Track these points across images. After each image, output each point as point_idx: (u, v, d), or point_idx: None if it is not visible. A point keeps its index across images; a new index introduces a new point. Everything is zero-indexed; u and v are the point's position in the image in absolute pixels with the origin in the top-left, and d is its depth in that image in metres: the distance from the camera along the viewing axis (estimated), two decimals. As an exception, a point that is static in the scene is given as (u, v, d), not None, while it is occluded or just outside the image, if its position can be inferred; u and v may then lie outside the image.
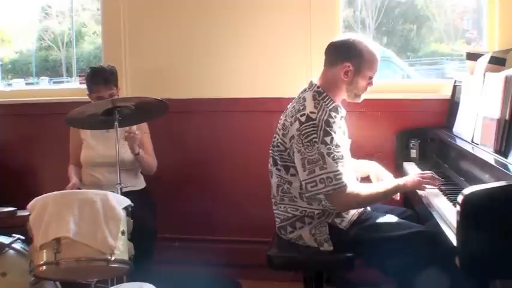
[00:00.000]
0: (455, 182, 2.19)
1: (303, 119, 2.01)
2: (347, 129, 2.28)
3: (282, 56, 3.02)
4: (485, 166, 1.90)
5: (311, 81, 2.17)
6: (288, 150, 2.09)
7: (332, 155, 1.97)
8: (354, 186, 2.02)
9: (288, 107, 2.21)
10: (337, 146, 2.00)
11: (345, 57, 2.10)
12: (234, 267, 2.97)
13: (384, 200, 2.13)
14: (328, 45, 2.19)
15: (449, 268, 1.70)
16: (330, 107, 2.08)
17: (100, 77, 2.68)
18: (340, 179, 1.97)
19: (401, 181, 2.12)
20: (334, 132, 2.01)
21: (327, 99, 2.10)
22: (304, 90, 2.17)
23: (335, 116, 2.07)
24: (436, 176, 2.14)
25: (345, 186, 1.98)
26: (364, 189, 2.05)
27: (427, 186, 2.09)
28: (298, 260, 2.16)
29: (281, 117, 2.22)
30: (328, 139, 1.98)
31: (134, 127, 2.72)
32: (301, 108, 2.06)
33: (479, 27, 3.17)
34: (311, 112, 2.02)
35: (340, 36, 2.25)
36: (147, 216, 2.56)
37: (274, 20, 3.02)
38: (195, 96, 3.10)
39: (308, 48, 2.97)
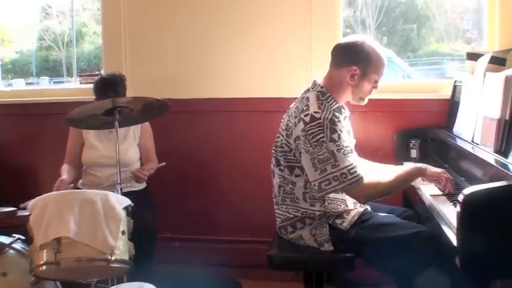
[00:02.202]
0: (456, 182, 2.19)
1: (307, 119, 2.01)
2: (352, 130, 2.28)
3: (282, 57, 3.02)
4: (485, 166, 1.90)
5: (314, 81, 2.17)
6: (294, 150, 2.09)
7: (342, 150, 1.97)
8: (371, 177, 2.01)
9: (291, 106, 2.20)
10: (344, 141, 2.00)
11: (352, 60, 2.10)
12: (234, 267, 2.98)
13: (405, 185, 2.09)
14: (334, 47, 2.18)
15: (449, 268, 1.70)
16: (333, 107, 2.08)
17: (112, 91, 2.64)
18: (355, 172, 1.96)
19: (422, 165, 2.11)
20: (340, 130, 2.01)
21: (331, 100, 2.09)
22: (308, 90, 2.16)
23: (339, 116, 2.07)
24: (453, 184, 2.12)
25: (361, 178, 1.97)
26: (383, 177, 2.03)
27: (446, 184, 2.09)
28: (298, 260, 2.16)
29: (284, 117, 2.21)
30: (335, 136, 1.98)
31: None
32: (304, 108, 2.05)
33: (480, 27, 3.17)
34: (315, 112, 2.01)
35: (347, 38, 2.23)
36: (148, 216, 2.56)
37: (275, 21, 3.02)
38: (195, 96, 3.11)
39: (308, 48, 2.97)
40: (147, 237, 2.45)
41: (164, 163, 2.76)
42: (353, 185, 1.96)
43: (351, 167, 1.96)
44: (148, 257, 2.50)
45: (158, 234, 2.61)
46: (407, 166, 2.13)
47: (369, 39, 2.18)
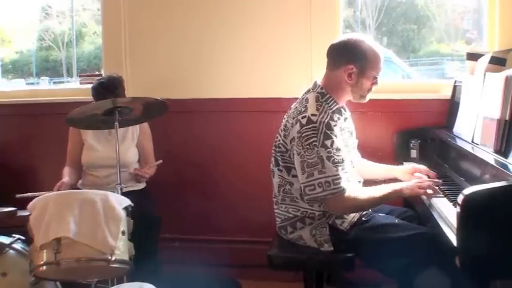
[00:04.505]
0: (456, 182, 2.19)
1: (304, 121, 2.00)
2: (354, 130, 2.27)
3: (282, 57, 3.02)
4: (485, 166, 1.90)
5: (315, 82, 2.16)
6: (289, 151, 2.09)
7: (332, 159, 1.96)
8: (352, 191, 2.01)
9: (292, 107, 2.20)
10: (337, 149, 1.99)
11: (347, 59, 2.08)
12: (234, 267, 2.98)
13: (381, 204, 2.12)
14: (329, 48, 2.17)
15: (450, 268, 1.70)
16: (333, 109, 2.07)
17: (112, 94, 2.61)
18: (339, 183, 1.96)
19: (398, 186, 2.09)
20: (335, 136, 2.00)
21: (330, 101, 2.09)
22: (308, 91, 2.15)
23: (338, 119, 2.06)
24: (435, 181, 2.12)
25: (343, 190, 1.97)
26: (362, 194, 2.04)
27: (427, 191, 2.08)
28: (298, 260, 2.16)
29: (284, 116, 2.21)
30: (328, 142, 1.97)
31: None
32: (303, 109, 2.05)
33: (480, 27, 3.17)
34: (312, 114, 2.01)
35: (340, 37, 2.22)
36: (149, 207, 2.61)
37: (275, 21, 3.02)
38: (195, 96, 3.10)
39: (308, 49, 2.97)
40: (151, 226, 2.49)
41: (161, 161, 2.77)
42: (335, 195, 1.96)
43: (336, 177, 1.96)
44: (152, 249, 2.55)
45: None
46: (386, 187, 2.08)
47: (363, 36, 2.17)
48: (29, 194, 2.35)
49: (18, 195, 2.35)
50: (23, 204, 2.17)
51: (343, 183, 1.97)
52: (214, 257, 2.93)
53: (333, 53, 2.15)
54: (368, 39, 2.14)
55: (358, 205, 2.05)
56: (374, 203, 2.08)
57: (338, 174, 1.96)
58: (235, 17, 3.06)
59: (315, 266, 2.17)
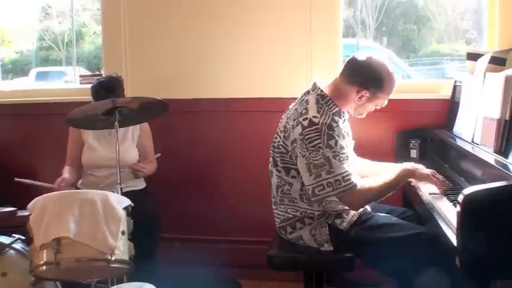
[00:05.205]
0: (456, 182, 2.19)
1: (305, 123, 2.00)
2: (350, 131, 2.28)
3: (282, 56, 3.02)
4: (485, 166, 1.90)
5: (314, 83, 2.15)
6: (290, 153, 2.08)
7: (338, 157, 1.96)
8: (363, 183, 2.01)
9: (290, 107, 2.19)
10: (341, 147, 1.99)
11: (365, 83, 2.08)
12: (234, 267, 2.98)
13: (396, 187, 2.10)
14: (350, 60, 2.15)
15: (449, 268, 1.70)
16: (333, 111, 2.07)
17: (111, 95, 2.59)
18: (349, 179, 1.96)
19: (410, 166, 2.11)
20: (338, 136, 2.00)
21: (331, 104, 2.08)
22: (307, 92, 2.15)
23: (338, 120, 2.06)
24: (447, 182, 2.12)
25: (355, 185, 1.97)
26: (374, 182, 2.04)
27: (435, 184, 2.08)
28: (298, 260, 2.16)
29: (282, 117, 2.21)
30: (332, 142, 1.97)
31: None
32: (303, 111, 2.04)
33: (480, 28, 3.17)
34: (314, 116, 2.00)
35: (366, 54, 2.15)
36: (150, 204, 2.64)
37: (275, 21, 3.02)
38: (195, 96, 3.10)
39: (308, 48, 2.97)
40: (152, 224, 2.52)
41: (159, 154, 2.77)
42: (346, 192, 1.96)
43: (345, 174, 1.96)
44: (153, 248, 2.56)
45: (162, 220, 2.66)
46: (397, 168, 2.11)
47: (386, 60, 2.15)
48: (28, 180, 2.35)
49: (16, 179, 2.37)
50: (23, 204, 2.17)
51: (353, 178, 1.97)
52: (214, 257, 2.93)
53: (352, 70, 2.12)
54: (390, 66, 2.14)
55: (374, 194, 2.04)
56: (390, 187, 2.06)
57: (347, 171, 1.96)
58: (235, 17, 3.06)
59: (315, 266, 2.18)
